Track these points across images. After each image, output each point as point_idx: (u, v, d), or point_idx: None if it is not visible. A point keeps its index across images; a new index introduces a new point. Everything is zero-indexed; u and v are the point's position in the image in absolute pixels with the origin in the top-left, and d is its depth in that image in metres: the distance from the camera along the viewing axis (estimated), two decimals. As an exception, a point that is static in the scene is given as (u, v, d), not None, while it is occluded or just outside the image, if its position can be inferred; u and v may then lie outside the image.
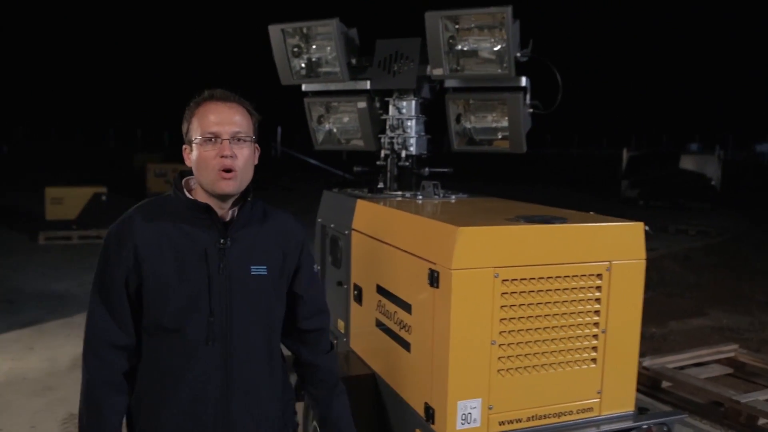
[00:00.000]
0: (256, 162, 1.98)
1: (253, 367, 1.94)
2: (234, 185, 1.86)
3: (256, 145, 1.96)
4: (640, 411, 2.86)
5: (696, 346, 5.93)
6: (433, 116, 4.09)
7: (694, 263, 10.41)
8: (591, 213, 2.92)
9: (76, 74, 55.33)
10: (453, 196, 3.64)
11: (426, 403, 2.61)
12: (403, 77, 3.78)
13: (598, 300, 2.66)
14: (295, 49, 3.97)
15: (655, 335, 6.52)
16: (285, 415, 2.09)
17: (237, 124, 1.87)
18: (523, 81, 3.59)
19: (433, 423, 2.56)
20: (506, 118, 3.72)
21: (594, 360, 2.69)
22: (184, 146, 1.93)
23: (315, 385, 2.18)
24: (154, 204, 1.95)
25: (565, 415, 2.67)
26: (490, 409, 2.53)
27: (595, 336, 2.68)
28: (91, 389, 1.87)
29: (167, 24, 70.07)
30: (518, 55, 3.46)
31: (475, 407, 2.51)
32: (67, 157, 28.21)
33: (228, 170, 1.84)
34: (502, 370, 2.54)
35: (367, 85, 3.94)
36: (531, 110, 3.71)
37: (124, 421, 1.95)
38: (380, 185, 3.86)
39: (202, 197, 1.91)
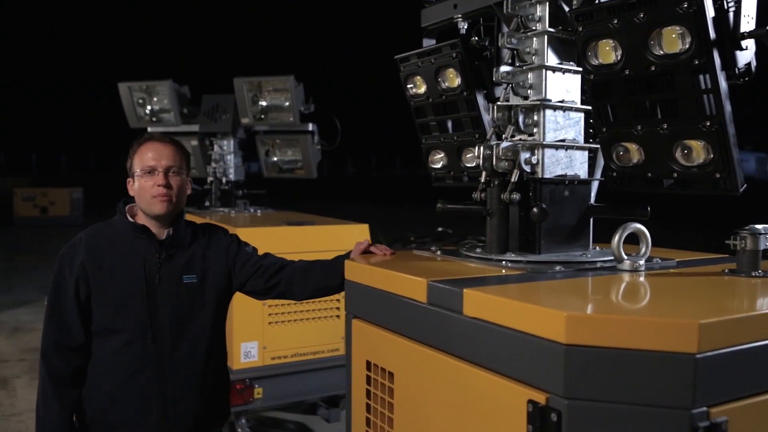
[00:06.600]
0: (190, 192, 2.33)
1: (185, 357, 2.23)
2: (168, 207, 2.19)
3: (189, 177, 2.31)
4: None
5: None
6: (253, 150, 5.42)
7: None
8: (343, 220, 4.33)
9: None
10: (259, 211, 4.97)
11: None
12: (222, 123, 5.10)
13: (339, 276, 4.05)
14: (140, 101, 5.20)
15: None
16: (217, 397, 2.37)
17: (171, 159, 2.20)
18: (310, 126, 4.99)
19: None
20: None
21: (338, 316, 4.08)
22: (128, 179, 2.25)
23: (298, 281, 2.36)
24: (99, 228, 2.29)
25: (318, 353, 4.04)
26: (264, 348, 3.86)
27: (338, 299, 4.07)
28: (46, 383, 2.19)
29: (33, 45, 67.44)
30: (302, 108, 4.85)
31: (253, 347, 3.83)
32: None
33: (162, 195, 2.17)
34: (272, 322, 3.88)
35: (197, 128, 5.23)
36: (319, 147, 5.12)
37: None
38: (207, 203, 5.14)
39: (141, 220, 2.25)
